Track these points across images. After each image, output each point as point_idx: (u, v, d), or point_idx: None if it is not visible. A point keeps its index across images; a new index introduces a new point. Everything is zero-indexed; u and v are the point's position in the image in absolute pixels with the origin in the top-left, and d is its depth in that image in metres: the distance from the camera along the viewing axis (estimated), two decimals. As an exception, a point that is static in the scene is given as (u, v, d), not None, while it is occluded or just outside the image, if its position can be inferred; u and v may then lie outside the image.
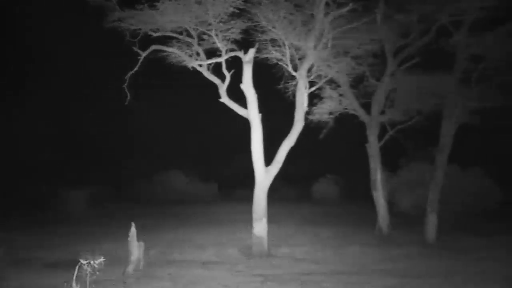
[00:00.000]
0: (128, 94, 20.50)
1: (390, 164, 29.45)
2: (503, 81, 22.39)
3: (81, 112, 50.87)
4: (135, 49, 20.09)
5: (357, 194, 45.50)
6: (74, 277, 12.67)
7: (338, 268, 16.77)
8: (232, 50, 20.22)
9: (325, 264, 17.51)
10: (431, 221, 21.45)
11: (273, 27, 19.62)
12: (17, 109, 44.35)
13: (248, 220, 21.05)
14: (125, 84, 20.45)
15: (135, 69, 20.30)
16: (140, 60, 20.18)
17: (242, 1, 19.07)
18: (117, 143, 52.02)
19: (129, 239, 15.76)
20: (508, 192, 30.60)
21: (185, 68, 21.07)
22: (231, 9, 19.13)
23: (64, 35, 42.85)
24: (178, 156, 54.26)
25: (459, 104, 21.66)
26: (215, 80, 20.55)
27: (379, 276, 15.40)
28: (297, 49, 20.52)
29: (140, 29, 19.70)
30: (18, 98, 45.87)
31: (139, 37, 19.88)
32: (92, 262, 12.44)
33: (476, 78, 22.12)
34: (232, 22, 19.72)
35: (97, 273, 13.75)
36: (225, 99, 20.36)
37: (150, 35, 19.98)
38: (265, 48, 20.68)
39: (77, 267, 12.83)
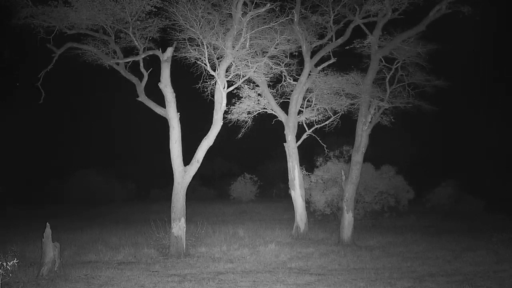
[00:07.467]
0: (43, 92, 20.11)
1: (308, 163, 29.90)
2: (413, 83, 23.19)
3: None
4: (49, 46, 19.67)
5: (275, 193, 46.14)
6: (-14, 280, 12.31)
7: (254, 267, 16.89)
8: (149, 48, 20.10)
9: (242, 263, 17.58)
10: (347, 219, 21.84)
11: (191, 26, 19.56)
12: None
13: (165, 219, 20.95)
14: (39, 82, 20.04)
15: (50, 66, 19.90)
16: (55, 58, 19.80)
17: (159, -1, 19.01)
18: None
19: (43, 239, 15.40)
20: (418, 190, 31.63)
21: (101, 66, 20.84)
22: (148, 7, 19.01)
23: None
24: (94, 155, 53.48)
25: (373, 104, 22.20)
26: (133, 79, 20.37)
27: (295, 274, 15.62)
28: (215, 48, 20.54)
29: (54, 26, 19.28)
30: None
31: (53, 34, 19.48)
32: (4, 264, 12.06)
33: (389, 80, 22.76)
34: (150, 20, 19.62)
35: (10, 275, 13.41)
36: (142, 98, 20.20)
37: (65, 33, 19.59)
38: (184, 47, 20.58)
39: (-11, 269, 12.45)
